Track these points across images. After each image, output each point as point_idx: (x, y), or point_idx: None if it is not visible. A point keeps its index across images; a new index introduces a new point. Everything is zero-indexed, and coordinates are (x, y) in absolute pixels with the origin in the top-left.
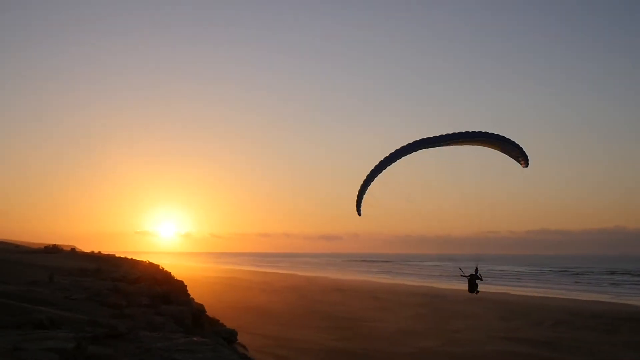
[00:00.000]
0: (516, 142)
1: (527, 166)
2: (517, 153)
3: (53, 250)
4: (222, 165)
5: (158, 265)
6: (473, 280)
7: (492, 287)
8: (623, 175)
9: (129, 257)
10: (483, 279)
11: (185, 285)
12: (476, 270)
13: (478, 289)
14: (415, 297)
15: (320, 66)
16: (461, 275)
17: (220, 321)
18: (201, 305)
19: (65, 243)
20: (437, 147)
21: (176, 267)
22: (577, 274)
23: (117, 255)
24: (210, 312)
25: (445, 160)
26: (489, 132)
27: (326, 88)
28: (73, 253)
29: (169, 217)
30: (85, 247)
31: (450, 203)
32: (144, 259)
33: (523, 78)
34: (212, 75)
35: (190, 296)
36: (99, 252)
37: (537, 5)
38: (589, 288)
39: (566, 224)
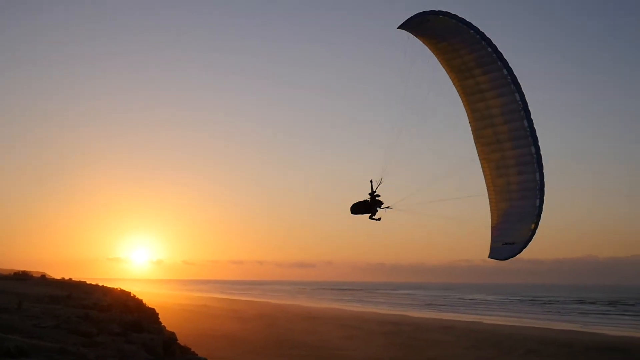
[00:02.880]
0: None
1: (500, 258)
2: (522, 236)
3: (23, 277)
4: (195, 192)
5: (130, 293)
6: (369, 206)
7: (464, 316)
8: (595, 205)
9: (101, 284)
10: (377, 218)
11: (157, 313)
12: (379, 204)
13: (354, 210)
14: (386, 326)
15: (292, 93)
16: (371, 181)
17: (192, 349)
18: (172, 333)
19: (36, 269)
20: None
21: (148, 295)
22: (547, 302)
23: (88, 282)
24: (181, 340)
25: (419, 187)
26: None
27: (300, 115)
28: (43, 280)
29: (141, 243)
30: (56, 273)
31: (426, 231)
32: (116, 286)
33: None
34: (186, 103)
35: (162, 324)
36: (70, 279)
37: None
38: (558, 317)
39: (538, 253)
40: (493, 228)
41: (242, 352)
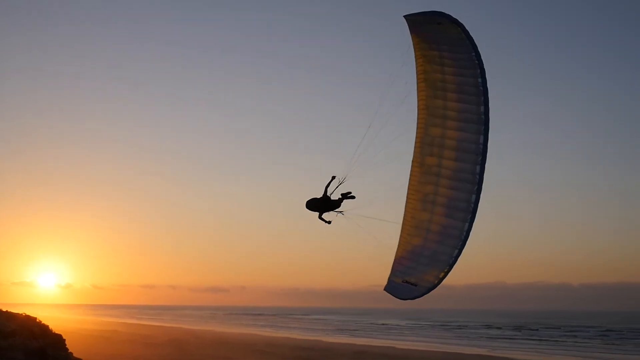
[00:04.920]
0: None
1: (397, 297)
2: (441, 265)
3: None
4: (104, 214)
5: (35, 318)
6: (328, 205)
7: (376, 341)
8: (504, 232)
9: (4, 310)
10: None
11: (64, 339)
12: (337, 205)
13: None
14: (298, 351)
15: (200, 117)
16: (332, 177)
17: None
18: None
19: None
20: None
21: (55, 320)
22: (457, 327)
23: None
24: None
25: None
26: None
27: (210, 139)
28: None
29: (48, 267)
30: None
31: (341, 256)
32: (21, 312)
33: None
34: (97, 125)
35: (69, 350)
36: None
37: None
38: (467, 342)
39: (449, 279)
40: (396, 260)
41: None
